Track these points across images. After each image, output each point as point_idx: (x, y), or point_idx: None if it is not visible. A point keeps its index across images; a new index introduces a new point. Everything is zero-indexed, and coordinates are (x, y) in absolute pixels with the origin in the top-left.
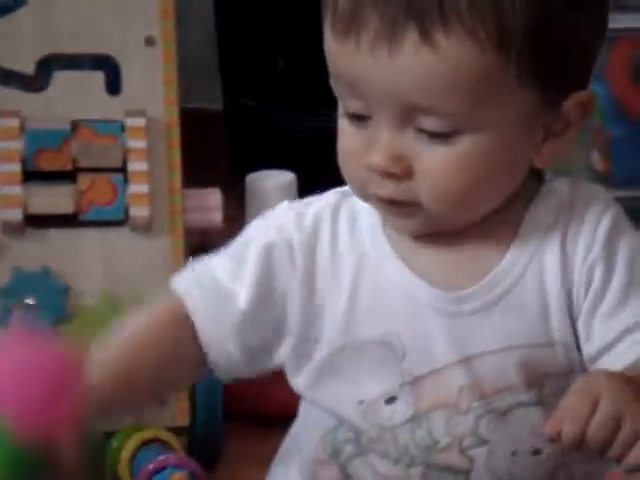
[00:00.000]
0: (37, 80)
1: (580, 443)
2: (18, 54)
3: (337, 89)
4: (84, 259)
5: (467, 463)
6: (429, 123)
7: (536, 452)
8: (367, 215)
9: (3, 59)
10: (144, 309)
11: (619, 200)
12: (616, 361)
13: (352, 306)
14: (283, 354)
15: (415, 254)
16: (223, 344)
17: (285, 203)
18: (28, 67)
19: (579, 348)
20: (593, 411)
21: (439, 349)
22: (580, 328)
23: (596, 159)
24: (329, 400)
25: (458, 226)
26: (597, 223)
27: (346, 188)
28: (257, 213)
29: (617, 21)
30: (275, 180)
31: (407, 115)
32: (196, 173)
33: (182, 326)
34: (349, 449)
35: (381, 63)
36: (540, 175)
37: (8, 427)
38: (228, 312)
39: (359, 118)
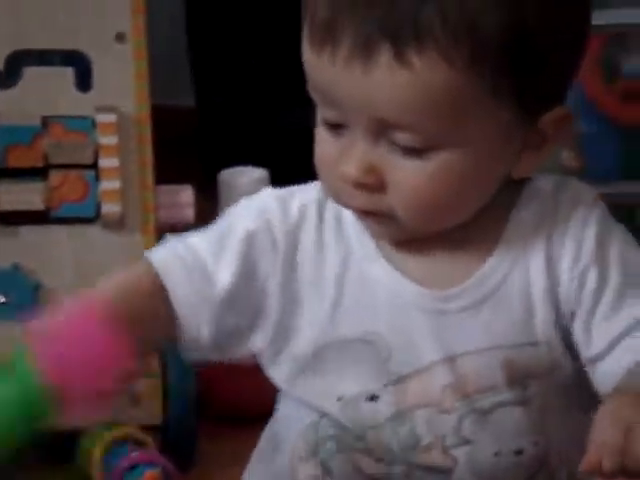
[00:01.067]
0: (7, 76)
1: (621, 474)
2: None
3: (314, 96)
4: (55, 256)
5: (450, 462)
6: (402, 138)
7: (518, 452)
8: (351, 215)
9: None
10: (119, 272)
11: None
12: (614, 364)
13: (336, 303)
14: (259, 342)
15: (400, 256)
16: (197, 323)
17: (269, 189)
18: None
19: (570, 350)
20: (628, 441)
21: (424, 348)
22: (578, 333)
23: (566, 156)
24: (308, 394)
25: (433, 234)
26: (584, 226)
27: None
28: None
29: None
30: (248, 176)
31: (381, 129)
32: (168, 169)
33: (157, 296)
34: (330, 445)
35: (355, 78)
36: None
37: (41, 373)
38: (207, 293)
39: (335, 126)
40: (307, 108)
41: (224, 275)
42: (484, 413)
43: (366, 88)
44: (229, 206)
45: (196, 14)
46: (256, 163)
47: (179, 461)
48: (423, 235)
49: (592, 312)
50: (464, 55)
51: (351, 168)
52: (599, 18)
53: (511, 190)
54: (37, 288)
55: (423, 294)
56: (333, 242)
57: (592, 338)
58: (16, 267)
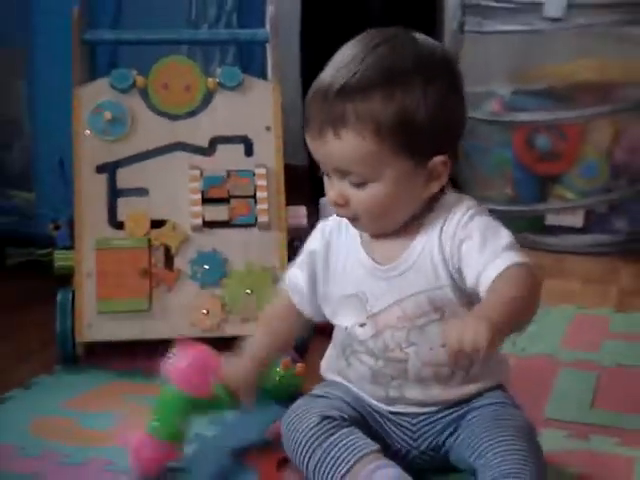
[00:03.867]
0: (209, 150)
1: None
2: (200, 136)
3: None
4: (235, 244)
5: (405, 356)
6: (350, 178)
7: (443, 346)
8: (352, 227)
9: (193, 138)
10: (273, 302)
11: (522, 212)
12: (487, 280)
13: (344, 277)
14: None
15: (371, 247)
16: (310, 313)
17: (334, 216)
18: (204, 142)
19: (459, 288)
20: (464, 333)
21: (385, 297)
22: (461, 276)
23: (508, 190)
24: (337, 322)
25: (387, 230)
26: (459, 220)
27: None
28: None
29: (517, 117)
30: None
31: (340, 173)
32: (293, 198)
33: (292, 309)
34: (348, 350)
35: (320, 147)
36: (443, 189)
37: (177, 389)
38: (302, 291)
39: (326, 174)
40: None
41: (302, 281)
42: (421, 327)
43: (325, 152)
44: (325, 218)
45: None
46: None
47: (301, 352)
48: (379, 230)
49: (466, 263)
50: (371, 133)
51: (332, 196)
52: (526, 116)
53: (430, 202)
54: (225, 262)
55: (378, 268)
56: (344, 244)
57: (468, 273)
58: (214, 250)
